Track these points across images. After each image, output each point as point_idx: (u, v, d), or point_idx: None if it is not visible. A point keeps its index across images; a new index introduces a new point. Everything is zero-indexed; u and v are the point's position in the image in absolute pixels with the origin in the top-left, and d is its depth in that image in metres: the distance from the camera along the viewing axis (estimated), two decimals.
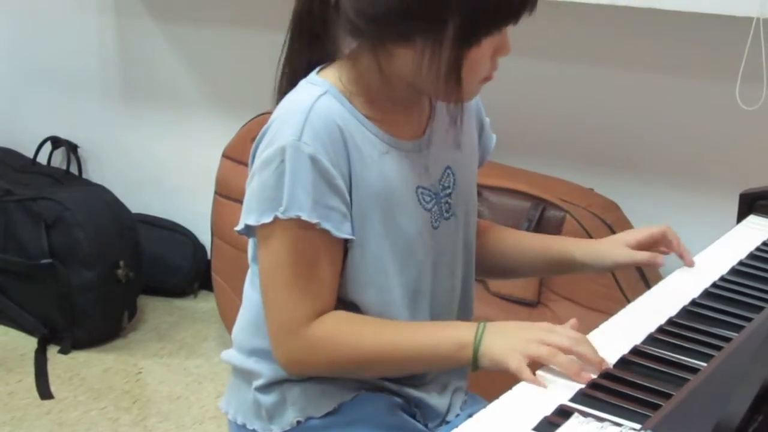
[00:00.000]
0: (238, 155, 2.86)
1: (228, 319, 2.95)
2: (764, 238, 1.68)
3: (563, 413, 1.07)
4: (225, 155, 2.92)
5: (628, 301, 1.44)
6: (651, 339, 1.29)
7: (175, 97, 3.30)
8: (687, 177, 2.53)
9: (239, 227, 1.30)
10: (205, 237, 3.20)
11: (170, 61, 3.28)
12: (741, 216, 1.79)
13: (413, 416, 1.38)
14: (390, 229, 1.31)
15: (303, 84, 1.33)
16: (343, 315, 1.30)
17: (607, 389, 1.14)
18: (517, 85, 2.51)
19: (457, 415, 1.42)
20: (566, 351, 1.18)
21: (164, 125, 3.34)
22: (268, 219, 1.25)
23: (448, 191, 1.39)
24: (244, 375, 1.41)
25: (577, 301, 2.31)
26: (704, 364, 1.21)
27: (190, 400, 2.71)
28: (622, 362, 1.21)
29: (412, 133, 1.35)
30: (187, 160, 3.31)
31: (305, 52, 1.34)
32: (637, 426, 1.03)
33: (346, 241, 1.29)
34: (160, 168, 3.38)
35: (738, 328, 1.32)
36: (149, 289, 3.22)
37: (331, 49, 1.33)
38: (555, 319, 2.32)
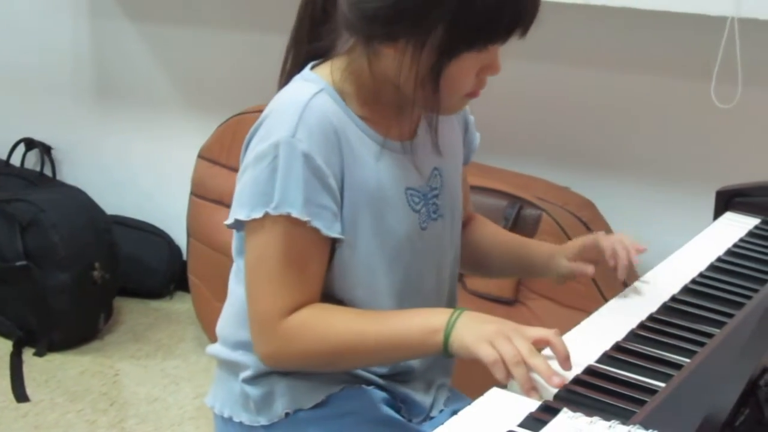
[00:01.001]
0: (213, 156, 2.84)
1: (205, 319, 2.94)
2: (741, 235, 1.70)
3: (548, 410, 1.07)
4: (200, 156, 2.90)
5: (605, 299, 1.45)
6: (632, 335, 1.30)
7: (150, 97, 3.28)
8: (663, 175, 2.54)
9: (229, 221, 1.30)
10: (180, 238, 3.18)
11: (145, 62, 3.26)
12: (717, 213, 1.81)
13: (398, 411, 1.39)
14: (379, 229, 1.32)
15: (297, 80, 1.34)
16: (318, 306, 1.29)
17: (589, 385, 1.15)
18: (492, 84, 2.50)
19: (441, 411, 1.43)
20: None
21: (139, 126, 3.32)
22: (258, 214, 1.25)
23: (436, 192, 1.39)
24: (230, 367, 1.41)
25: (555, 299, 2.32)
26: (686, 360, 1.22)
27: (168, 401, 2.70)
28: (605, 358, 1.22)
29: (403, 135, 1.35)
30: (162, 161, 3.30)
31: (305, 44, 1.34)
32: (624, 421, 1.04)
33: (334, 241, 1.29)
34: (135, 169, 3.36)
35: (718, 324, 1.33)
36: (125, 291, 3.21)
37: (328, 43, 1.33)
38: (533, 318, 2.33)
